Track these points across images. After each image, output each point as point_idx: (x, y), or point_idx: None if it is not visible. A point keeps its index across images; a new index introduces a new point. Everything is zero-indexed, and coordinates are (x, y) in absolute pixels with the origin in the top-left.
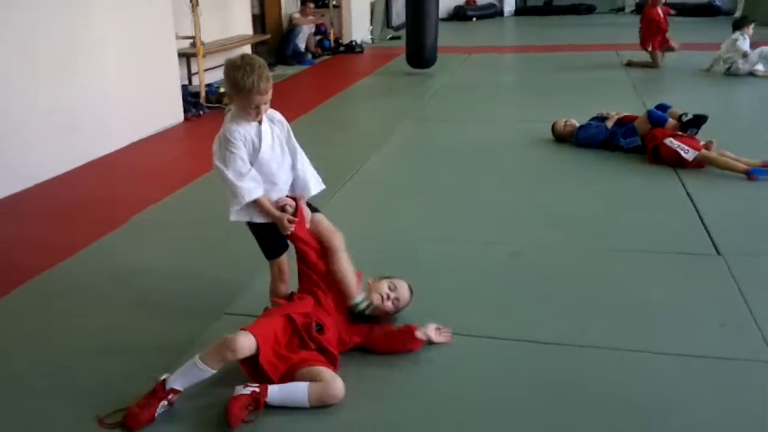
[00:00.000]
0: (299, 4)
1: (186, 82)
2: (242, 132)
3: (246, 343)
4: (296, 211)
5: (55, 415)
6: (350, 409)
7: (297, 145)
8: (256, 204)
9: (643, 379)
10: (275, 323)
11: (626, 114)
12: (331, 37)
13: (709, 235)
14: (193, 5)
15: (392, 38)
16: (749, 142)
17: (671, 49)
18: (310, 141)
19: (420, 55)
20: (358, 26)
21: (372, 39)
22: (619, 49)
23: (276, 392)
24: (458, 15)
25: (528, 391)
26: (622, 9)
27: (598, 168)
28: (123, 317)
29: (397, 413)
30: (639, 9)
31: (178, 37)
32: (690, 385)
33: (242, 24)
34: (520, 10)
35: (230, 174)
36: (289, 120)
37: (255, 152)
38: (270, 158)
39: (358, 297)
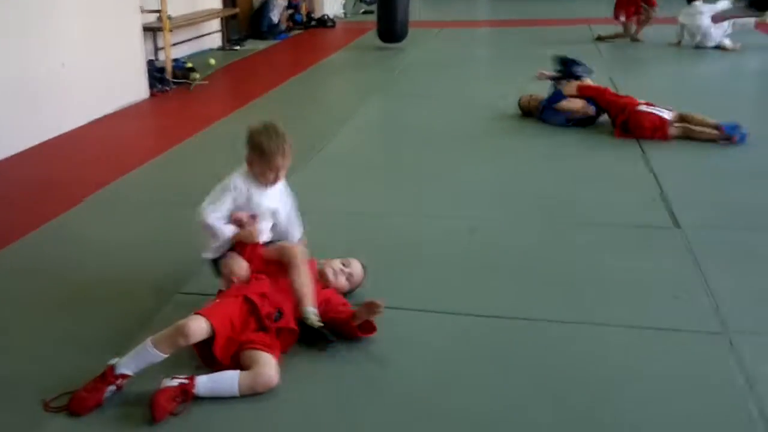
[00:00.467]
0: None
1: (152, 57)
2: (243, 188)
3: (199, 329)
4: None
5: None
6: (287, 393)
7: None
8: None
9: (596, 352)
10: (232, 306)
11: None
12: (303, 12)
13: (670, 209)
14: None
15: (365, 12)
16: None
17: (644, 20)
18: (279, 116)
19: (391, 29)
20: (330, 0)
21: (344, 13)
22: (593, 23)
23: (205, 382)
24: None
25: (481, 366)
26: None
27: (563, 142)
28: (75, 298)
29: (342, 393)
30: None
31: (143, 11)
32: (642, 357)
33: None
34: None
35: (207, 207)
36: (259, 95)
37: (249, 204)
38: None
39: (311, 308)
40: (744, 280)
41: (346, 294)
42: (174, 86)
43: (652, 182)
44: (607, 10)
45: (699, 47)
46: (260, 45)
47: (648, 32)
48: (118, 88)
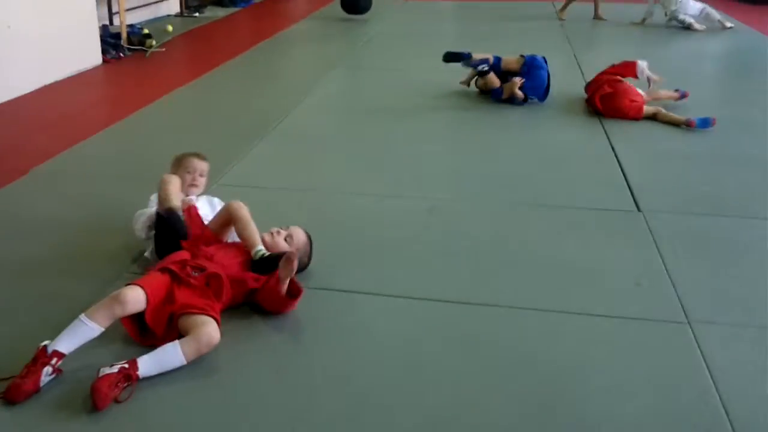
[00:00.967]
0: None
1: (106, 23)
2: None
3: (134, 296)
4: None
5: None
6: (235, 374)
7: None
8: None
9: (556, 340)
10: (158, 277)
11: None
12: None
13: (631, 192)
14: None
15: None
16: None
17: None
18: (237, 88)
19: (355, 1)
20: None
21: None
22: (556, 1)
23: (148, 362)
24: None
25: (435, 353)
26: None
27: (523, 121)
28: (15, 276)
29: (298, 376)
30: None
31: None
32: (602, 347)
33: None
34: None
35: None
36: (218, 64)
37: None
38: None
39: (260, 246)
40: (705, 267)
41: (298, 273)
42: (129, 53)
43: (614, 163)
44: None
45: (672, 20)
46: (220, 12)
47: (611, 10)
48: (69, 54)
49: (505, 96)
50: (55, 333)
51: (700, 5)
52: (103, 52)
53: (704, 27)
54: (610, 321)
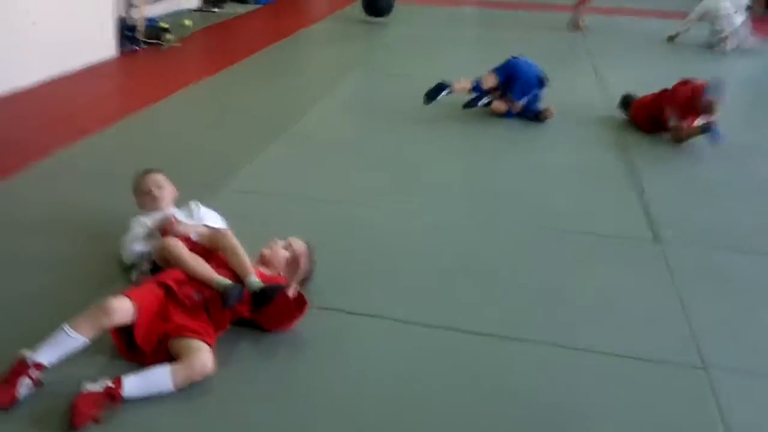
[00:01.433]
0: None
1: (124, 15)
2: (146, 220)
3: (122, 307)
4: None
5: None
6: (226, 398)
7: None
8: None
9: (560, 378)
10: (151, 291)
11: None
12: None
13: (650, 220)
14: None
15: None
16: None
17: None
18: (252, 87)
19: (376, 3)
20: None
21: None
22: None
23: (134, 383)
24: None
25: (437, 383)
26: None
27: (542, 139)
28: (2, 279)
29: (282, 400)
30: None
31: None
32: (608, 388)
33: None
34: None
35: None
36: (234, 62)
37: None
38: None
39: (252, 275)
40: (725, 308)
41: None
42: (144, 46)
43: (632, 188)
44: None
45: (718, 40)
46: (240, 9)
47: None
48: (84, 44)
49: (515, 112)
50: (38, 338)
51: (741, 17)
52: (119, 44)
53: (735, 45)
54: (619, 360)
